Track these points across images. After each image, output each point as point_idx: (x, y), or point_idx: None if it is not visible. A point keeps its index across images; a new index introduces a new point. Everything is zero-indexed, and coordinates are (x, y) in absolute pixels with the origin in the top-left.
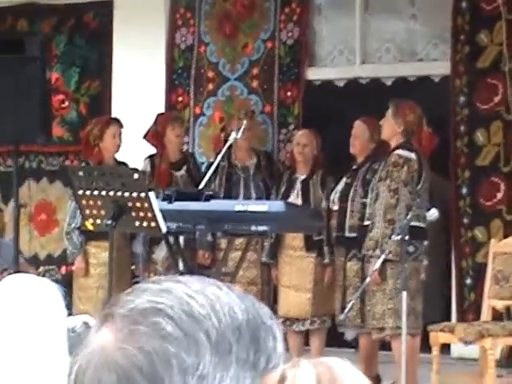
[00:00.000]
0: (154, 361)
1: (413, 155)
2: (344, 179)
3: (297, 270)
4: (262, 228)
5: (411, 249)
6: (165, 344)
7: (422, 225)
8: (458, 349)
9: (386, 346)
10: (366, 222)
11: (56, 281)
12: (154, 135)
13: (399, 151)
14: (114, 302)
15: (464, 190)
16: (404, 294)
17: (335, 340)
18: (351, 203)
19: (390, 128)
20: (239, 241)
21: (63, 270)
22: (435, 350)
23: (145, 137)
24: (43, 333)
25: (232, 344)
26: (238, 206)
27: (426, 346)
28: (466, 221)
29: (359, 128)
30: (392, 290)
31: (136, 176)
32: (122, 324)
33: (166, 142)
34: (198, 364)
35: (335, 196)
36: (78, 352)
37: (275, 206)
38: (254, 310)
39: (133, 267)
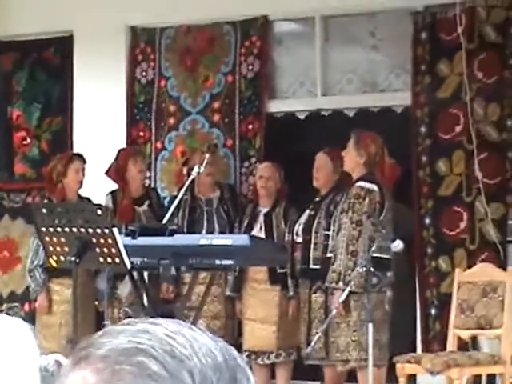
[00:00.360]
0: None
1: (374, 187)
2: (307, 211)
3: (261, 303)
4: (226, 262)
5: (374, 280)
6: (151, 383)
7: (385, 256)
8: (423, 379)
9: (352, 377)
10: (329, 254)
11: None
12: (116, 171)
13: (361, 183)
14: (85, 344)
15: (427, 220)
16: (370, 325)
17: (301, 373)
18: (315, 235)
19: (352, 160)
20: (203, 275)
21: (26, 307)
22: (402, 382)
23: (106, 173)
24: (16, 373)
25: (216, 382)
26: (203, 239)
27: (392, 377)
28: (429, 251)
29: (322, 160)
30: (356, 322)
31: (99, 212)
32: (103, 364)
33: (128, 178)
34: None
35: (299, 228)
36: None
37: (240, 239)
38: (227, 351)
39: (96, 303)
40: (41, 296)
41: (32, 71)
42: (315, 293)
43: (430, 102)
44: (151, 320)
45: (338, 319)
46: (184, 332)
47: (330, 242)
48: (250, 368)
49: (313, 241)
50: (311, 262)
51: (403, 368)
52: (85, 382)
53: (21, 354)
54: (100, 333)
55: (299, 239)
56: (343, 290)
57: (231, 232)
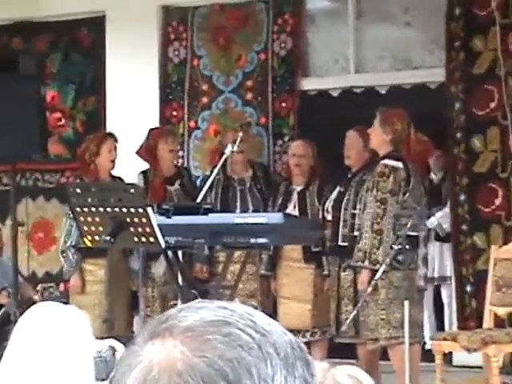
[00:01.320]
0: (236, 369)
1: (399, 164)
2: (338, 188)
3: (297, 282)
4: (261, 240)
5: (401, 258)
6: (243, 353)
7: (414, 233)
8: (459, 357)
9: (386, 355)
10: (356, 233)
11: (54, 298)
12: (147, 150)
13: (385, 161)
14: (164, 318)
15: (462, 197)
16: (406, 303)
17: (336, 351)
18: (344, 212)
19: (378, 137)
20: (237, 253)
21: (61, 287)
22: (438, 359)
23: (137, 152)
24: (71, 359)
25: (294, 360)
26: (237, 218)
27: (428, 355)
28: (465, 227)
29: (352, 138)
30: (384, 300)
31: (133, 191)
32: (191, 334)
33: (159, 157)
34: (273, 376)
35: (329, 205)
36: (125, 369)
37: (274, 218)
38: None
39: (130, 283)
40: (74, 276)
41: (66, 52)
42: (344, 271)
43: (464, 78)
44: (222, 301)
45: (366, 298)
46: (257, 312)
47: (357, 220)
48: None
49: (342, 218)
50: (340, 239)
51: (439, 345)
52: (169, 353)
53: (76, 341)
54: (175, 309)
55: (329, 216)
56: (370, 269)
57: (265, 211)
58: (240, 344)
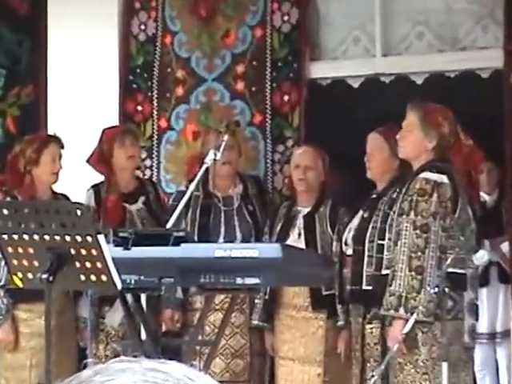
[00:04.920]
0: None
1: (444, 178)
2: (360, 213)
3: (302, 337)
4: (251, 280)
5: (449, 304)
6: None
7: (462, 271)
8: None
9: None
10: (385, 271)
11: None
12: (99, 157)
13: (426, 174)
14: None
15: None
16: (445, 365)
17: None
18: (369, 245)
19: (419, 144)
20: (220, 298)
21: None
22: None
23: (88, 160)
24: None
25: None
26: (219, 250)
27: None
28: None
29: (375, 142)
30: (428, 361)
31: (79, 213)
32: None
33: (115, 166)
34: None
35: (348, 235)
36: None
37: (269, 250)
38: None
39: (78, 337)
40: (3, 328)
41: None
42: (370, 323)
43: None
44: (151, 360)
45: (400, 359)
46: (201, 375)
47: (386, 254)
48: None
49: (367, 253)
50: (364, 281)
51: None
52: None
53: None
54: (91, 371)
55: (349, 250)
56: (406, 320)
57: (258, 240)
58: None
